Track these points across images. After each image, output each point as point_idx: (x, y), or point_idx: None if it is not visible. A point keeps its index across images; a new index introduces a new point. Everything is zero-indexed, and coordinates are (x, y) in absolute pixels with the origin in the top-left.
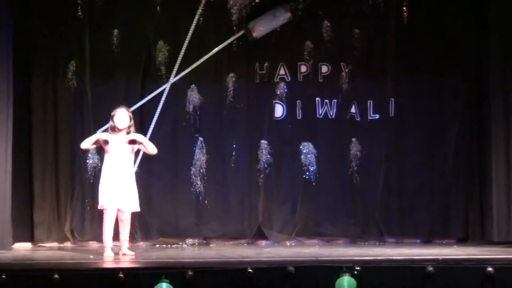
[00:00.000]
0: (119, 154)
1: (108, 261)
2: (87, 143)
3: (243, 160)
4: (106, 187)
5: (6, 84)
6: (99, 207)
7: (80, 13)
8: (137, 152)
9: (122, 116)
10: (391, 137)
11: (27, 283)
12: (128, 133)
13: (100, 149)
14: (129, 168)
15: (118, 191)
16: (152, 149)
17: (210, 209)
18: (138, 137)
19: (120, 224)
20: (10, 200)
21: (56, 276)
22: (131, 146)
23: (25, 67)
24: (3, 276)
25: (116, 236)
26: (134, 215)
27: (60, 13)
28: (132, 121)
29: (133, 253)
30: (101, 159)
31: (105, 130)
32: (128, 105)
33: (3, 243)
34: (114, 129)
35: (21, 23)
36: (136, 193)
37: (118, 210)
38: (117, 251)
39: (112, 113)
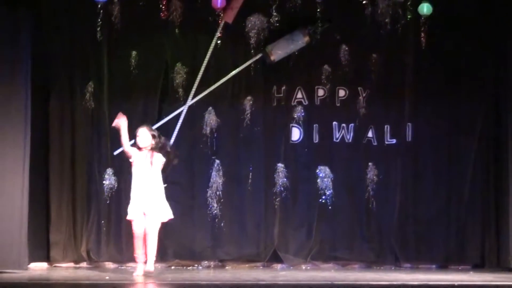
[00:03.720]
0: (143, 170)
1: (124, 283)
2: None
3: (260, 183)
4: (133, 200)
5: (24, 105)
6: (127, 218)
7: (99, 35)
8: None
9: (143, 135)
10: (408, 162)
11: None
12: (152, 149)
13: (119, 170)
14: (155, 182)
15: (143, 202)
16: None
17: (226, 232)
18: (156, 160)
19: (146, 238)
20: (27, 220)
21: None
22: (150, 160)
23: (43, 88)
24: None
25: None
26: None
27: (79, 35)
28: (157, 139)
29: (153, 270)
30: (118, 181)
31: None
32: None
33: (20, 263)
34: (139, 147)
35: (40, 45)
36: (164, 202)
37: (146, 222)
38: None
39: (135, 132)
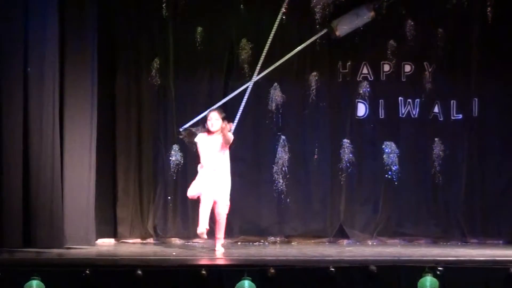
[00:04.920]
0: (213, 154)
1: (190, 258)
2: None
3: (325, 159)
4: (202, 180)
5: (91, 82)
6: (189, 195)
7: (164, 11)
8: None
9: (214, 119)
10: (474, 137)
11: (111, 278)
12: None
13: (185, 146)
14: (224, 165)
15: (213, 184)
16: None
17: (292, 208)
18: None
19: (217, 220)
20: (94, 196)
21: (139, 272)
22: (225, 145)
23: (109, 65)
24: (87, 271)
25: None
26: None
27: (145, 12)
28: (225, 122)
29: (223, 250)
30: (184, 157)
31: (192, 126)
32: (211, 103)
33: (87, 239)
34: (208, 130)
35: (105, 22)
36: (229, 187)
37: (214, 202)
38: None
39: (206, 115)
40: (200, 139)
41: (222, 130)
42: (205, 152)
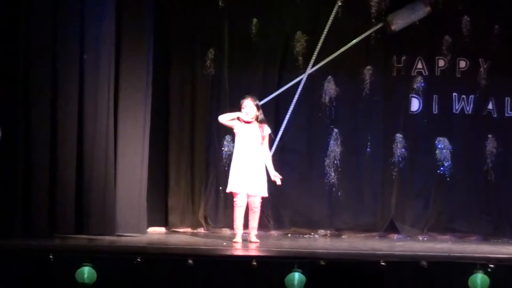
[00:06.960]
0: (248, 141)
1: (241, 249)
2: (225, 118)
3: (378, 153)
4: (236, 173)
5: (146, 71)
6: (227, 191)
7: (220, 2)
8: (272, 141)
9: (247, 107)
10: None
11: (161, 267)
12: (258, 121)
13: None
14: (258, 155)
15: (247, 177)
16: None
17: (342, 201)
18: (266, 131)
19: (250, 212)
20: (146, 185)
21: (190, 261)
22: (260, 134)
23: (164, 55)
24: (138, 259)
25: (246, 224)
26: (266, 205)
27: (200, 2)
28: (260, 110)
29: (258, 241)
30: None
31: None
32: (265, 94)
33: (139, 227)
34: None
35: (161, 13)
36: (265, 179)
37: (248, 196)
38: (245, 238)
39: (240, 103)
40: (238, 127)
41: (256, 119)
42: (240, 141)
